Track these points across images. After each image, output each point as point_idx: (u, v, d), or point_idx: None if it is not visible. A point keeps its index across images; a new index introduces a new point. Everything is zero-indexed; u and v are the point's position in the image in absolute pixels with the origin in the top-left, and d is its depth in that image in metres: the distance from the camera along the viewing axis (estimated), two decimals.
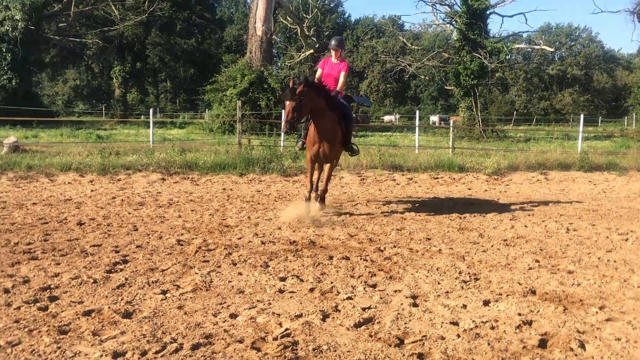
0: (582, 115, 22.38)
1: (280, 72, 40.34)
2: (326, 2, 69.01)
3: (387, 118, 58.77)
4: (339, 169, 14.38)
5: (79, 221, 7.74)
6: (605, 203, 10.76)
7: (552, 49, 58.05)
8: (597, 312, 4.56)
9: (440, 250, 6.64)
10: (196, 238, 6.87)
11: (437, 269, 5.74)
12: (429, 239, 7.21)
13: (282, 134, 16.49)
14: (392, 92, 76.07)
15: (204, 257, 6.00)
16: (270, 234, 7.23)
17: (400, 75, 56.01)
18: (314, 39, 38.13)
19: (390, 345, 3.81)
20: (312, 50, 38.83)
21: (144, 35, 60.12)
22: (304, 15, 40.23)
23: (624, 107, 63.89)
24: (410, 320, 4.30)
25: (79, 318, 4.16)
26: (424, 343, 3.88)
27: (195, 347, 3.71)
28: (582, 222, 8.69)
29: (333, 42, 9.32)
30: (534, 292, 5.06)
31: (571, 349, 3.83)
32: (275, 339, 3.87)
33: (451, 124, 20.84)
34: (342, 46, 9.45)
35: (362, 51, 72.23)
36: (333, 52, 9.24)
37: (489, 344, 3.88)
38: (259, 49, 29.12)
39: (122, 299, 4.59)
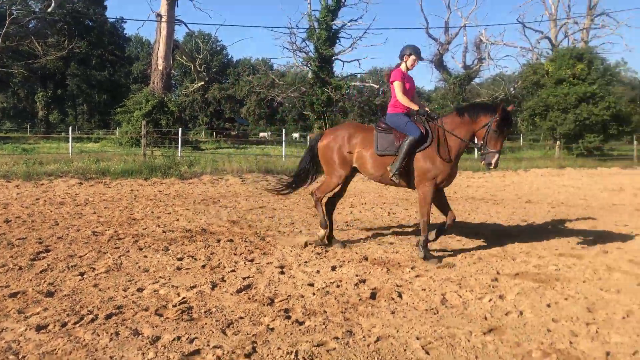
0: None
1: (178, 99, 38.84)
2: (214, 45, 67.59)
3: (262, 134, 58.79)
4: (225, 172, 14.10)
5: (5, 219, 6.95)
6: (414, 194, 11.41)
7: (378, 86, 60.92)
8: (410, 271, 4.81)
9: (301, 231, 6.70)
10: (109, 230, 6.42)
11: (299, 245, 5.79)
12: (293, 223, 7.25)
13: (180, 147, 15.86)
14: (265, 115, 75.79)
15: (115, 244, 5.61)
16: (170, 225, 6.92)
17: (270, 103, 56.02)
18: (204, 73, 37.15)
19: (264, 304, 3.78)
20: (202, 82, 37.87)
21: (64, 67, 55.28)
22: (197, 55, 39.00)
23: None
24: (279, 285, 4.29)
25: (5, 299, 3.73)
26: (289, 301, 3.89)
27: (108, 316, 3.46)
28: (399, 207, 9.16)
29: (413, 49, 5.69)
30: (366, 259, 5.24)
31: (392, 298, 4.01)
32: (174, 305, 3.70)
33: (308, 140, 21.20)
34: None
35: (242, 84, 71.41)
36: (410, 61, 5.68)
37: (335, 299, 3.97)
38: (160, 80, 27.93)
39: (44, 282, 4.18)
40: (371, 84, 42.49)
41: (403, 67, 5.70)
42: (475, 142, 5.35)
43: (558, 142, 26.55)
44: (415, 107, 5.51)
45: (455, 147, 5.37)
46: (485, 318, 3.64)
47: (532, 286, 4.38)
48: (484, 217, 8.19)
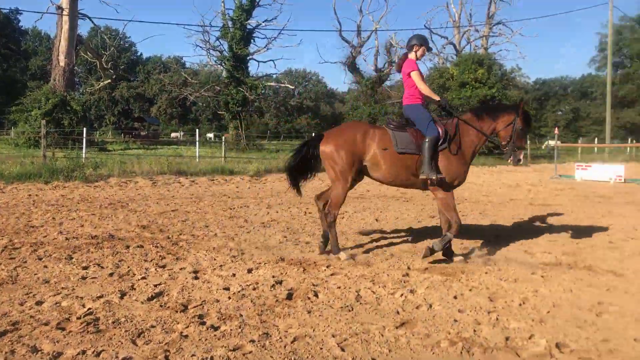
0: (313, 134, 23.93)
1: (82, 97, 36.53)
2: (122, 42, 64.24)
3: (173, 135, 56.76)
4: (134, 174, 13.48)
5: None
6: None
7: (293, 87, 61.17)
8: (325, 270, 4.87)
9: (215, 234, 6.56)
10: (2, 239, 5.88)
11: (214, 249, 5.66)
12: (207, 226, 7.08)
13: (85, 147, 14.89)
14: (177, 115, 73.56)
15: (10, 255, 5.15)
16: (74, 231, 6.48)
17: (183, 102, 54.34)
18: (111, 71, 35.19)
19: (177, 312, 3.65)
20: (109, 80, 35.88)
21: None
22: (103, 51, 36.91)
23: None
24: (192, 290, 4.17)
25: None
26: (203, 306, 3.79)
27: (2, 334, 3.17)
28: (314, 207, 9.20)
29: (423, 40, 5.64)
30: (283, 260, 5.24)
31: (309, 298, 4.04)
32: (79, 318, 3.47)
33: (223, 140, 20.82)
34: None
35: (152, 82, 68.66)
36: (421, 51, 5.58)
37: (252, 301, 3.93)
38: (62, 77, 26.08)
39: None
40: (287, 85, 42.61)
41: (412, 56, 5.53)
42: (500, 141, 5.45)
43: None
44: (436, 97, 5.41)
45: (472, 147, 5.37)
46: (398, 312, 3.77)
47: (440, 279, 4.61)
48: (395, 214, 8.50)
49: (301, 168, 5.67)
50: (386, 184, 5.59)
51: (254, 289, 4.24)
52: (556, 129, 20.26)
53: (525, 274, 4.84)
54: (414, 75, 5.40)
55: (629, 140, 44.64)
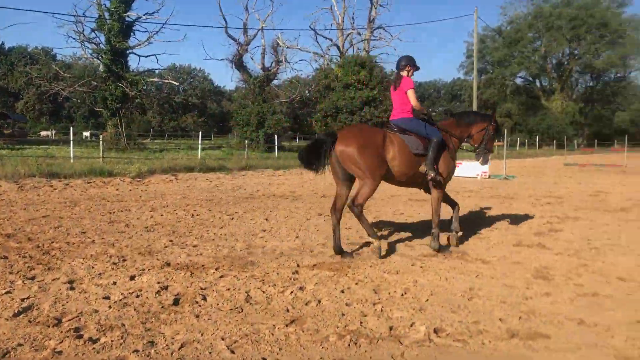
0: (200, 133, 23.31)
1: None
2: None
3: (44, 133, 51.73)
4: None
5: None
6: (218, 194, 11.38)
7: (177, 83, 58.99)
8: (214, 272, 4.76)
9: (94, 240, 6.10)
10: None
11: (92, 256, 5.26)
12: (84, 233, 6.56)
13: None
14: (48, 111, 67.30)
15: None
16: None
17: (54, 98, 49.87)
18: None
19: (49, 326, 3.34)
20: None
21: None
22: None
23: (228, 126, 68.64)
24: (67, 302, 3.84)
25: None
26: (80, 318, 3.51)
27: None
28: (202, 208, 9.01)
29: (410, 60, 6.15)
30: (169, 264, 5.03)
31: (196, 302, 3.92)
32: None
33: (101, 139, 19.43)
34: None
35: (17, 75, 62.05)
36: (411, 72, 6.17)
37: (135, 309, 3.72)
38: None
39: None
40: (171, 81, 40.81)
41: (405, 75, 6.05)
42: (473, 144, 6.31)
43: None
44: (424, 110, 6.02)
45: (454, 149, 6.12)
46: (288, 310, 3.80)
47: (329, 275, 4.73)
48: (285, 213, 8.56)
49: (314, 163, 5.66)
50: (397, 184, 6.01)
51: (137, 296, 4.01)
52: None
53: (407, 266, 5.14)
54: (411, 92, 5.90)
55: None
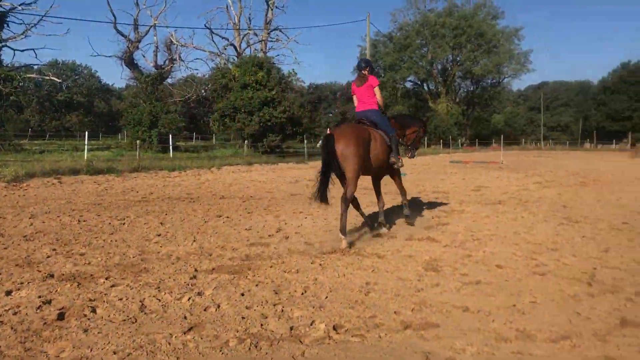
0: (86, 132, 21.77)
1: None
2: None
3: None
4: None
5: None
6: (107, 198, 10.69)
7: (60, 80, 54.52)
8: (104, 282, 4.46)
9: None
10: None
11: None
12: None
13: None
14: None
15: None
16: None
17: None
18: None
19: None
20: None
21: None
22: None
23: (117, 126, 64.87)
24: None
25: None
26: None
27: None
28: (90, 213, 8.41)
29: (369, 62, 7.38)
30: (52, 276, 4.62)
31: (85, 315, 3.64)
32: None
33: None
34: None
35: None
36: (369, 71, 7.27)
37: (12, 328, 3.37)
38: None
39: None
40: (52, 78, 37.71)
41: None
42: (406, 141, 7.71)
43: (246, 141, 29.17)
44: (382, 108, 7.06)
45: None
46: (185, 317, 3.66)
47: (228, 278, 4.64)
48: (181, 216, 8.26)
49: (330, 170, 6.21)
50: (367, 174, 6.84)
51: (15, 313, 3.64)
52: (329, 129, 22.26)
53: (306, 264, 5.20)
54: (377, 89, 7.01)
55: None
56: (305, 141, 32.91)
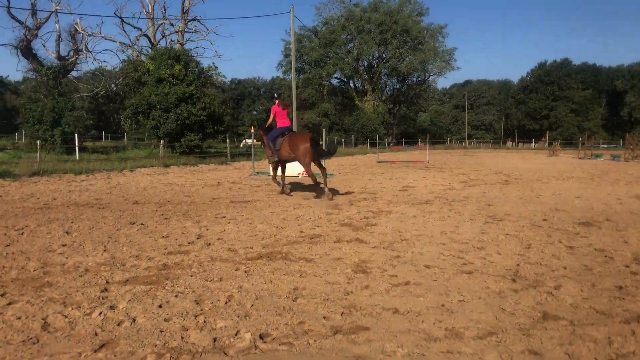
0: None
1: None
2: None
3: None
4: None
5: None
6: (2, 205, 9.94)
7: None
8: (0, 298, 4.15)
9: None
10: None
11: None
12: None
13: None
14: None
15: None
16: None
17: None
18: None
19: None
20: None
21: None
22: None
23: (14, 124, 60.53)
24: None
25: None
26: None
27: None
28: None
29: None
30: None
31: None
32: None
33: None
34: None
35: None
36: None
37: None
38: None
39: None
40: None
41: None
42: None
43: (162, 141, 28.12)
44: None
45: None
46: (96, 334, 3.49)
47: (144, 289, 4.47)
48: (90, 224, 7.85)
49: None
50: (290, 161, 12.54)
51: None
52: (252, 128, 22.10)
53: (230, 272, 5.13)
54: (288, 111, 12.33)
55: None
56: (228, 141, 32.45)
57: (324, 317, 3.89)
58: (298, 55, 64.24)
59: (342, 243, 6.56)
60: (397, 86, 76.85)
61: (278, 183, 12.76)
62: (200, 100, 28.54)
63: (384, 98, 74.68)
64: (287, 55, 67.43)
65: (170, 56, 29.91)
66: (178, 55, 30.48)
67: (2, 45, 54.31)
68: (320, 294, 4.45)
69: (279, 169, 12.93)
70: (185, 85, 28.72)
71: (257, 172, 19.55)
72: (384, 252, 6.04)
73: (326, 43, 67.54)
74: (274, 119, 12.40)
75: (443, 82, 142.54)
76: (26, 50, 33.59)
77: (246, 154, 32.17)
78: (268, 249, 6.18)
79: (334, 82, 75.07)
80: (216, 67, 37.62)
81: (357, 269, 5.28)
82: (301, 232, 7.35)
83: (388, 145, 64.17)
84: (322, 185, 11.70)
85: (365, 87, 72.03)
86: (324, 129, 21.36)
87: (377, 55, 71.15)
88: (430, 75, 74.66)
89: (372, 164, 28.44)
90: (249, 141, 34.27)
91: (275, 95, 13.43)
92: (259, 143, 39.97)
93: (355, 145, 56.97)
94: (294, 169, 18.49)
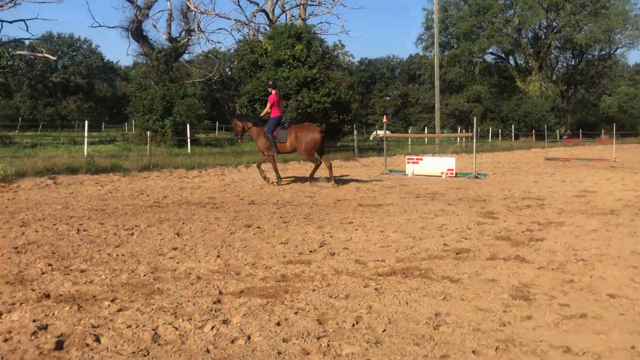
0: (86, 122, 22.56)
1: None
2: None
3: None
4: None
5: None
6: (112, 202, 11.06)
7: (55, 58, 56.68)
8: (109, 305, 4.62)
9: None
10: None
11: None
12: None
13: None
14: None
15: None
16: None
17: None
18: None
19: None
20: None
21: None
22: None
23: (124, 114, 66.80)
24: None
25: None
26: None
27: None
28: (92, 222, 8.72)
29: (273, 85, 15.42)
30: (48, 296, 4.83)
31: (87, 344, 3.78)
32: None
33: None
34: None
35: None
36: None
37: (2, 358, 3.54)
38: None
39: None
40: (46, 55, 39.16)
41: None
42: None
43: None
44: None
45: None
46: (208, 351, 3.75)
47: (261, 303, 4.71)
48: (202, 226, 8.45)
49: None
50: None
51: (6, 340, 3.82)
52: (385, 117, 22.24)
53: (358, 288, 5.21)
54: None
55: (458, 129, 51.21)
56: (355, 132, 32.87)
57: (473, 352, 3.80)
58: (442, 27, 63.26)
59: (498, 261, 6.36)
60: (573, 62, 72.41)
61: (279, 176, 15.30)
62: (324, 85, 29.29)
63: (554, 78, 70.85)
64: (428, 28, 66.72)
65: (290, 34, 31.06)
66: (299, 33, 31.55)
67: (112, 27, 60.23)
68: (468, 322, 4.35)
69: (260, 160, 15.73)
70: (307, 68, 29.65)
71: (390, 171, 19.61)
72: (553, 275, 5.75)
73: (478, 10, 65.58)
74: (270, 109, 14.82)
75: (635, 56, 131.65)
76: (137, 32, 36.95)
77: (377, 149, 32.42)
78: (403, 264, 6.18)
79: (488, 58, 72.85)
80: (343, 46, 38.44)
81: (516, 294, 5.09)
82: (445, 244, 7.25)
83: (560, 138, 60.75)
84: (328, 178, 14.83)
85: (530, 65, 68.78)
86: (474, 118, 20.66)
87: (545, 23, 67.64)
88: (617, 48, 69.30)
89: (538, 161, 27.14)
90: (381, 133, 34.40)
91: (270, 83, 15.70)
92: (393, 135, 39.99)
93: (516, 137, 54.73)
94: (437, 168, 18.28)
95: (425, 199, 12.14)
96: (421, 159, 19.57)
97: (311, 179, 14.95)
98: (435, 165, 18.67)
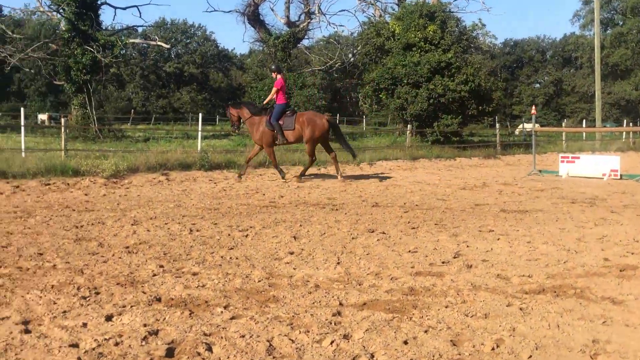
0: (200, 115, 23.67)
1: None
2: None
3: None
4: None
5: None
6: (226, 201, 11.52)
7: (169, 46, 59.98)
8: (222, 312, 4.81)
9: (55, 265, 6.26)
10: None
11: (52, 287, 5.41)
12: (42, 254, 6.75)
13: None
14: None
15: None
16: None
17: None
18: None
19: None
20: None
21: None
22: None
23: (239, 106, 69.07)
24: (22, 350, 3.95)
25: None
26: None
27: None
28: (205, 221, 9.14)
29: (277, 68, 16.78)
30: (159, 300, 5.12)
31: (199, 354, 3.96)
32: None
33: (63, 124, 19.90)
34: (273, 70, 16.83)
35: None
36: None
37: None
38: None
39: None
40: (159, 43, 41.37)
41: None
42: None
43: (409, 126, 28.90)
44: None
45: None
46: None
47: (385, 318, 4.72)
48: (320, 229, 8.60)
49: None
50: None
51: (117, 344, 4.10)
52: (533, 107, 21.48)
53: (499, 306, 5.07)
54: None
55: (625, 122, 48.29)
56: (498, 125, 32.01)
57: None
58: (605, 1, 59.89)
59: None
60: None
61: (281, 171, 16.04)
62: (461, 71, 28.71)
63: None
64: (587, 2, 63.49)
65: (422, 14, 30.78)
66: (432, 12, 31.19)
67: (228, 12, 62.56)
68: (634, 352, 4.11)
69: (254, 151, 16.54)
70: (441, 51, 29.23)
71: (540, 171, 18.90)
72: None
73: None
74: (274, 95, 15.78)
75: None
76: (253, 16, 38.21)
77: (524, 145, 31.33)
78: (555, 281, 5.94)
79: None
80: (483, 25, 37.35)
81: None
82: (606, 259, 6.89)
83: None
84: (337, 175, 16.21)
85: None
86: None
87: None
88: None
89: None
90: (528, 126, 33.22)
91: (274, 67, 17.09)
92: (543, 129, 38.50)
93: None
94: (597, 169, 17.42)
95: (582, 205, 11.59)
96: (578, 158, 18.72)
97: (302, 175, 15.94)
98: (595, 165, 17.75)
